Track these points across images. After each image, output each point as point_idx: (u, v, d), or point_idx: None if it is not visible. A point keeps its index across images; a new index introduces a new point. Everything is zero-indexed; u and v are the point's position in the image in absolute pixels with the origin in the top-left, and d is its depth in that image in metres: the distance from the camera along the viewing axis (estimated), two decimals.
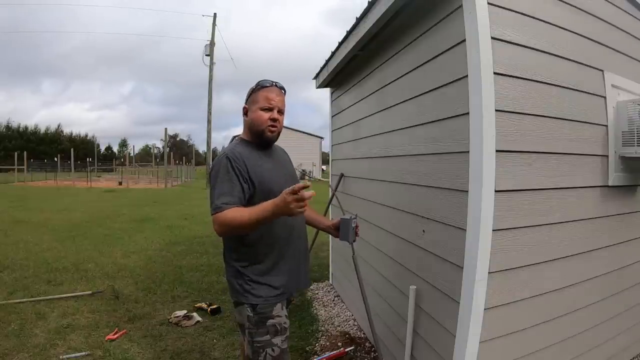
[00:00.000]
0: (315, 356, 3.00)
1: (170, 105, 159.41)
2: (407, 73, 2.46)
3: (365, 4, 2.64)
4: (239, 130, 1.98)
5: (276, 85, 1.87)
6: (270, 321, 1.79)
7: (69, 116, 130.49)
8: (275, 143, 1.97)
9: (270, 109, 1.82)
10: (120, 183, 24.70)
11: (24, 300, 3.99)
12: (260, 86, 1.86)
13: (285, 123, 1.97)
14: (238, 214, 1.65)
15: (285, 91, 1.91)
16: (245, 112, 1.90)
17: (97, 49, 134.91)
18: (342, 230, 2.06)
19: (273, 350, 1.78)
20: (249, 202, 1.74)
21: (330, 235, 2.23)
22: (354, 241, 2.11)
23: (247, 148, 1.85)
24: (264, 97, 1.83)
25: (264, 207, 1.62)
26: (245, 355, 1.89)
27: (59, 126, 68.10)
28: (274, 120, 1.84)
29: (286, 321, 1.84)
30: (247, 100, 1.90)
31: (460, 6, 1.81)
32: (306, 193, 1.54)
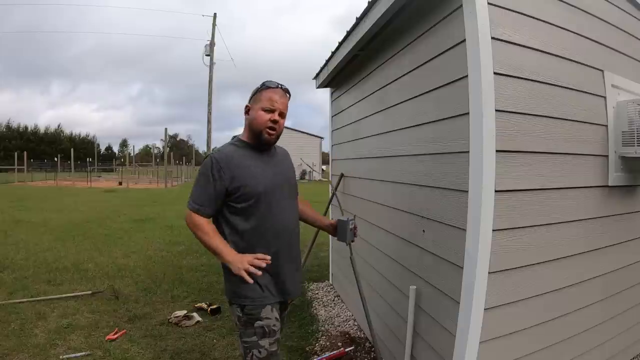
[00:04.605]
0: (315, 356, 3.00)
1: (175, 105, 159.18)
2: (407, 73, 2.45)
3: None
4: (242, 130, 1.97)
5: (281, 88, 1.85)
6: (259, 323, 1.79)
7: (75, 117, 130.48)
8: (277, 144, 1.96)
9: (272, 110, 1.81)
10: (120, 183, 24.72)
11: (24, 300, 3.99)
12: (265, 86, 1.85)
13: (287, 124, 1.98)
14: (206, 229, 1.77)
15: (289, 95, 1.90)
16: (247, 111, 1.89)
17: (107, 51, 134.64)
18: (340, 231, 2.12)
19: (259, 352, 1.78)
20: (234, 202, 1.79)
21: (330, 235, 2.24)
22: (352, 242, 2.13)
23: (240, 149, 1.85)
24: (267, 97, 1.82)
25: (225, 248, 1.77)
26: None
27: (59, 126, 68.26)
28: (274, 122, 1.82)
29: (276, 324, 1.83)
30: (250, 99, 1.89)
31: (460, 6, 1.81)
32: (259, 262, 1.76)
